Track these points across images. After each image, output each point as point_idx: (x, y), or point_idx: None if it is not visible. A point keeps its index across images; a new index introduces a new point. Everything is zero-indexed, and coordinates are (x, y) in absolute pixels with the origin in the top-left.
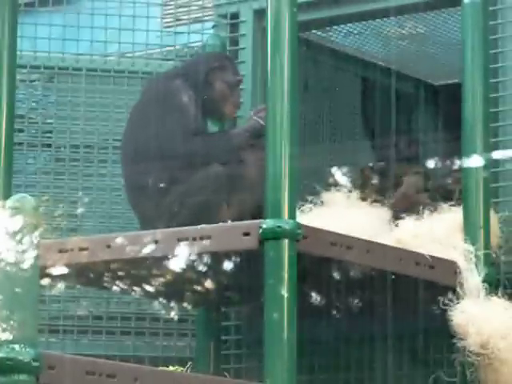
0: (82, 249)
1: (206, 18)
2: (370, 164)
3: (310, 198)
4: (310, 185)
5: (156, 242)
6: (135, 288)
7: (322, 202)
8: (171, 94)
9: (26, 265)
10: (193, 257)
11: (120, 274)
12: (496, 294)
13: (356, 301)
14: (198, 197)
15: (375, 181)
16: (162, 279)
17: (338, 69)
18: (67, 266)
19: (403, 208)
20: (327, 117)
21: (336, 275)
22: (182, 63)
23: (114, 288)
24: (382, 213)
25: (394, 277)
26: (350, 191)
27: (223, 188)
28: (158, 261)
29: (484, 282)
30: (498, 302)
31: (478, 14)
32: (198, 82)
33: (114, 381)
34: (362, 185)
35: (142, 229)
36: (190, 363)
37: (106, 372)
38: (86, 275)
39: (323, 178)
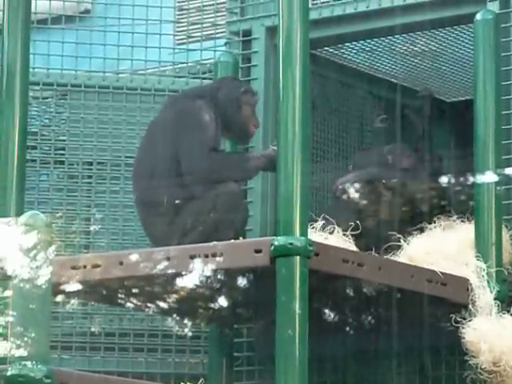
0: (94, 266)
1: (219, 36)
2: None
3: None
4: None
5: (168, 258)
6: (148, 305)
7: None
8: (194, 113)
9: (39, 281)
10: (205, 274)
11: (133, 290)
12: (508, 311)
13: (368, 317)
14: (214, 213)
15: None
16: (174, 296)
17: (349, 86)
18: (80, 282)
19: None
20: (338, 134)
21: (347, 292)
22: (201, 85)
23: (127, 305)
24: None
25: (406, 294)
26: None
27: (239, 206)
28: (171, 278)
29: (496, 299)
30: (510, 320)
31: (490, 31)
32: (225, 105)
33: None
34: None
35: (153, 246)
36: (202, 380)
37: None
38: (99, 292)
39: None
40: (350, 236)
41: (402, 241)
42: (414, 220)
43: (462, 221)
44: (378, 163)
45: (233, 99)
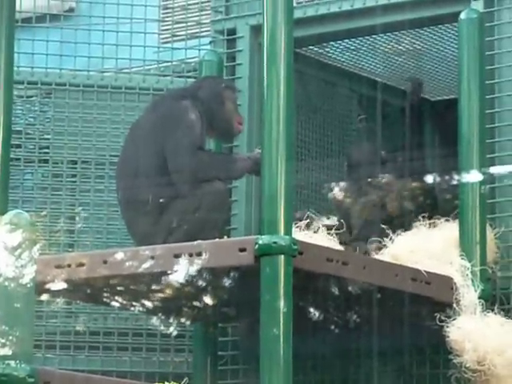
0: (79, 264)
1: (203, 34)
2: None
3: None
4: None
5: (153, 257)
6: (133, 303)
7: None
8: (180, 113)
9: (23, 280)
10: (190, 272)
11: (117, 289)
12: (492, 310)
13: (353, 316)
14: (199, 212)
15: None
16: (159, 295)
17: (334, 84)
18: (65, 281)
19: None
20: (322, 132)
21: (332, 291)
22: (185, 85)
23: (112, 303)
24: None
25: (390, 292)
26: None
27: (224, 205)
28: (155, 276)
29: (480, 298)
30: (494, 318)
31: (474, 30)
32: (209, 102)
33: None
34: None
35: (137, 245)
36: (186, 379)
37: None
38: (84, 291)
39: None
40: (334, 234)
41: (386, 239)
42: (399, 219)
43: (447, 220)
44: (370, 160)
45: (215, 95)
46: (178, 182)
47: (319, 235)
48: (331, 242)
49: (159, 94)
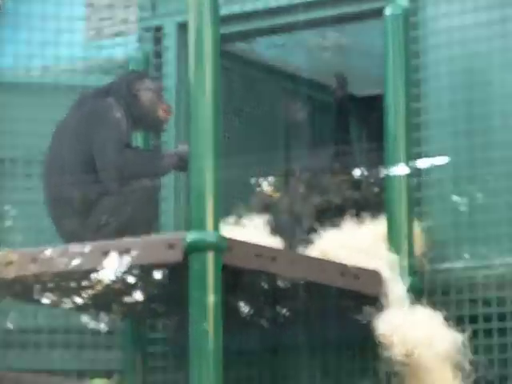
0: (8, 263)
1: (130, 32)
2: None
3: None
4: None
5: (82, 255)
6: (63, 300)
7: None
8: (104, 111)
9: None
10: (119, 269)
11: (47, 286)
12: (420, 303)
13: (281, 312)
14: (127, 210)
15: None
16: (89, 292)
17: (261, 81)
18: None
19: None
20: (250, 129)
21: (261, 286)
22: (108, 83)
23: (42, 301)
24: None
25: (319, 287)
26: None
27: (152, 201)
28: (85, 273)
29: (408, 291)
30: (422, 311)
31: (399, 25)
32: (125, 97)
33: None
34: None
35: (65, 243)
36: (114, 375)
37: None
38: (13, 288)
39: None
40: (265, 230)
41: (314, 235)
42: (326, 214)
43: (375, 214)
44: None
45: (133, 88)
46: (106, 179)
47: (250, 230)
48: (262, 238)
49: (83, 92)
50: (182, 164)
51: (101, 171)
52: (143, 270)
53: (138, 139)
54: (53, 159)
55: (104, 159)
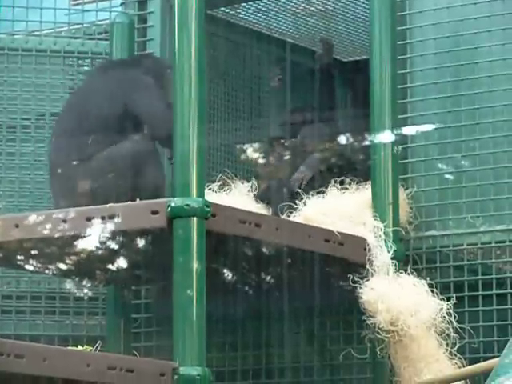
0: None
1: None
2: (280, 138)
3: None
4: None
5: (65, 220)
6: (46, 267)
7: None
8: (139, 78)
9: None
10: (102, 235)
11: (30, 253)
12: (405, 270)
13: (266, 278)
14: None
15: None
16: (72, 258)
17: (246, 46)
18: None
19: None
20: (235, 94)
21: (245, 252)
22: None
23: (25, 267)
24: None
25: (304, 254)
26: None
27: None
28: (68, 239)
29: (393, 258)
30: (407, 279)
31: None
32: (154, 71)
33: (23, 361)
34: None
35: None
36: (99, 342)
37: (14, 352)
38: None
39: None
40: (250, 196)
41: (298, 201)
42: (311, 180)
43: (360, 181)
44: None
45: (160, 65)
46: (158, 133)
47: (235, 197)
48: (247, 204)
49: (104, 62)
50: None
51: (155, 129)
52: (127, 236)
53: None
54: (67, 122)
55: (156, 115)
